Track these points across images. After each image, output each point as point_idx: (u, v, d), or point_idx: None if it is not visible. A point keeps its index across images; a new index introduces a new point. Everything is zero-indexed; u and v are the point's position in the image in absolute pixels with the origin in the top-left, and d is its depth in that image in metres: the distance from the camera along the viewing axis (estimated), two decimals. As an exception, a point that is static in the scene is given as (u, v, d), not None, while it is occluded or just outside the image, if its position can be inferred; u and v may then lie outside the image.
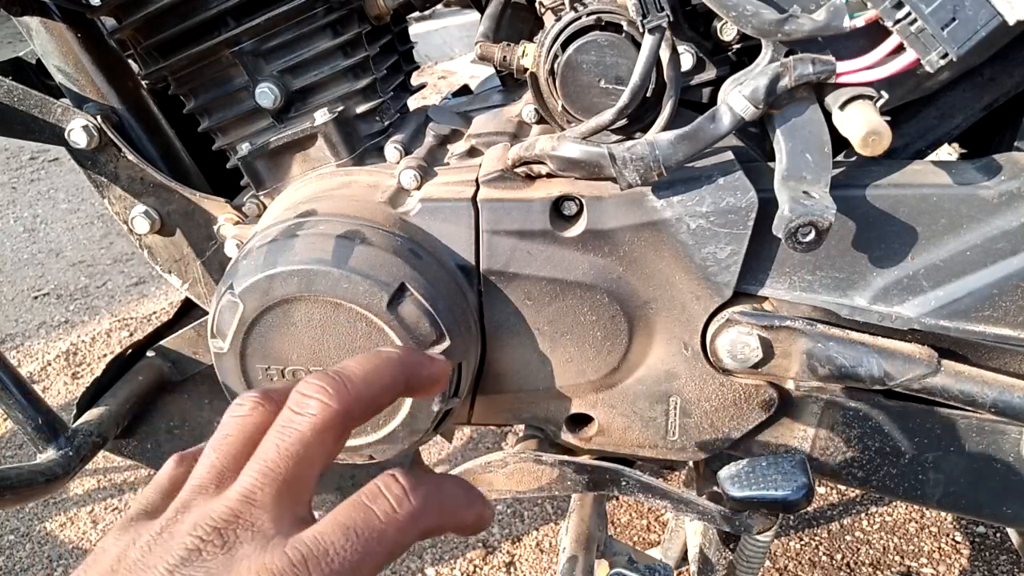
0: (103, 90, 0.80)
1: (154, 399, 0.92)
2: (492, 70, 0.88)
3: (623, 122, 0.68)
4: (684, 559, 1.07)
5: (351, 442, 0.72)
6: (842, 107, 0.62)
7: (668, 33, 0.65)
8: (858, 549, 1.39)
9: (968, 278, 0.66)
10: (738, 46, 0.75)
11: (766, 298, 0.71)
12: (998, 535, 1.39)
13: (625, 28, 0.67)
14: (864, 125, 0.59)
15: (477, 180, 0.71)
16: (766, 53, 0.65)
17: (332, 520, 0.33)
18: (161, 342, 0.91)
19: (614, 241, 0.68)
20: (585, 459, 0.76)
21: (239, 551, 0.31)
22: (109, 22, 0.76)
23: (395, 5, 0.79)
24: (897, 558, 1.37)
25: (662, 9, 0.61)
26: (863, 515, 1.45)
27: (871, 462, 0.76)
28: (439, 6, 0.92)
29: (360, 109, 0.78)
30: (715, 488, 0.73)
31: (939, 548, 1.38)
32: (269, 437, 0.35)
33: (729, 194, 0.65)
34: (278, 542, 0.32)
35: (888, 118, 0.61)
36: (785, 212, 0.60)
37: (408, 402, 0.68)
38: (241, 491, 0.33)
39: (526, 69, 0.74)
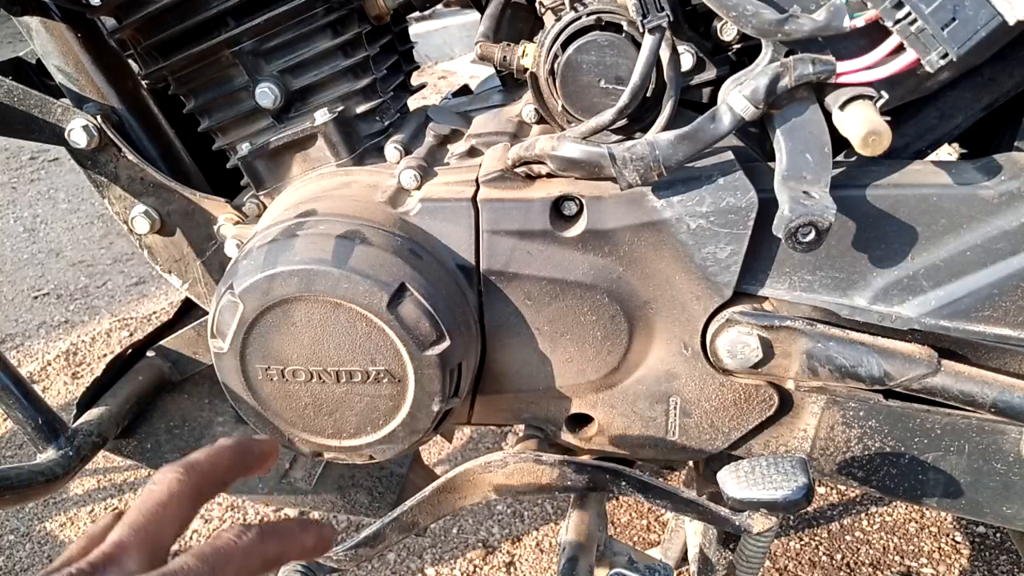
0: (103, 90, 0.80)
1: (154, 399, 0.92)
2: (492, 70, 0.88)
3: (623, 122, 0.68)
4: (684, 559, 1.07)
5: (351, 442, 0.72)
6: (842, 107, 0.62)
7: (668, 33, 0.65)
8: (858, 549, 1.39)
9: (968, 278, 0.66)
10: (738, 46, 0.75)
11: (766, 298, 0.71)
12: (998, 535, 1.39)
13: (625, 28, 0.67)
14: (864, 125, 0.59)
15: (477, 180, 0.71)
16: (766, 53, 0.65)
17: (187, 553, 0.42)
18: (161, 342, 0.91)
19: (614, 241, 0.68)
20: (585, 459, 0.76)
21: None
22: (109, 22, 0.76)
23: (395, 5, 0.79)
24: (897, 558, 1.37)
25: (662, 9, 0.61)
26: (863, 515, 1.45)
27: (871, 462, 0.76)
28: (439, 6, 0.93)
29: (360, 109, 0.78)
30: (715, 488, 0.73)
31: (939, 548, 1.38)
32: (134, 504, 0.45)
33: (729, 194, 0.65)
34: (140, 571, 0.41)
35: (888, 118, 0.61)
36: (785, 212, 0.60)
37: (408, 402, 0.69)
38: (112, 540, 0.42)
39: (526, 69, 0.74)
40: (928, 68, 0.59)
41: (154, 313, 2.28)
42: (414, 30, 1.10)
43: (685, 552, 1.07)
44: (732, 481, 0.69)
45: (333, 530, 0.52)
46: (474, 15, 1.13)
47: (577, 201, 0.68)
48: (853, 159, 0.72)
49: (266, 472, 0.54)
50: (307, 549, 0.49)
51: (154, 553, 0.42)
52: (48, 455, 0.78)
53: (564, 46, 0.69)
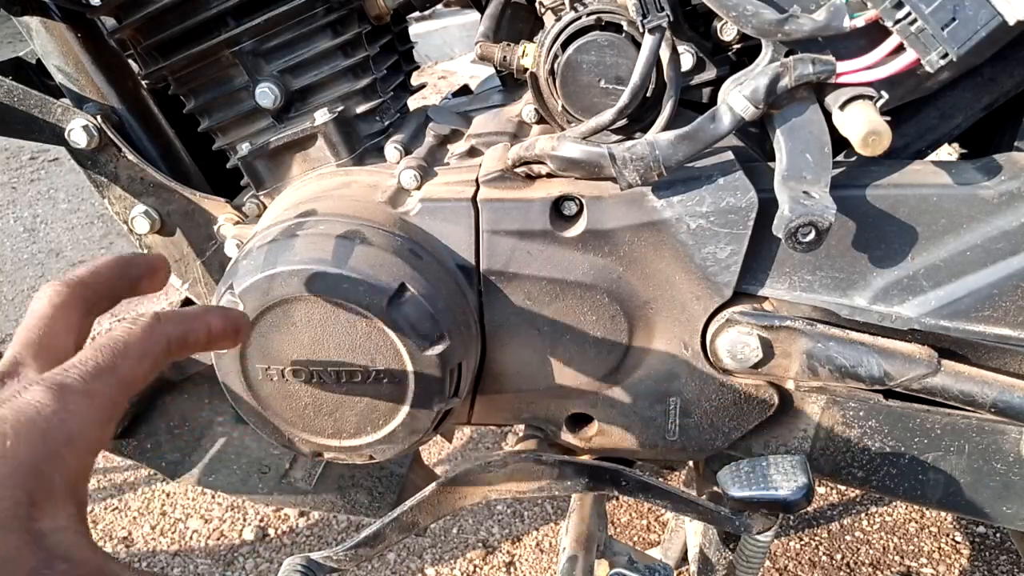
0: (103, 90, 0.80)
1: (154, 399, 0.92)
2: (492, 70, 0.88)
3: (623, 122, 0.68)
4: (684, 559, 1.07)
5: (351, 442, 0.72)
6: (842, 107, 0.62)
7: (668, 33, 0.65)
8: (858, 549, 1.39)
9: (968, 278, 0.66)
10: (738, 46, 0.75)
11: (766, 298, 0.71)
12: (998, 535, 1.39)
13: (625, 28, 0.67)
14: (864, 125, 0.59)
15: (477, 180, 0.71)
16: (766, 53, 0.65)
17: (82, 350, 0.41)
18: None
19: (614, 241, 0.68)
20: (585, 459, 0.76)
21: (7, 387, 0.39)
22: (109, 22, 0.76)
23: (395, 5, 0.79)
24: (897, 558, 1.37)
25: (662, 9, 0.61)
26: (863, 515, 1.45)
27: (871, 462, 0.76)
28: (439, 6, 0.92)
29: (360, 109, 0.78)
30: (715, 488, 0.73)
31: (939, 548, 1.38)
32: (20, 324, 0.45)
33: (729, 194, 0.65)
34: (39, 374, 0.40)
35: (888, 118, 0.61)
36: (785, 212, 0.60)
37: (408, 402, 0.69)
38: (6, 359, 0.42)
39: (526, 69, 0.74)
40: (928, 68, 0.59)
41: (154, 313, 2.27)
42: (414, 30, 1.10)
43: (685, 552, 1.07)
44: (732, 481, 0.69)
45: (246, 317, 0.52)
46: (474, 15, 1.13)
47: (577, 201, 0.68)
48: (853, 159, 0.72)
49: (158, 289, 0.53)
50: (216, 332, 0.48)
51: (51, 361, 0.42)
52: (48, 455, 0.78)
53: (564, 46, 0.69)
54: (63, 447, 0.36)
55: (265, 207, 0.81)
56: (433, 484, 0.74)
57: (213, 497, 1.59)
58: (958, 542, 1.39)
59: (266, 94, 0.75)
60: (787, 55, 0.63)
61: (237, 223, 0.81)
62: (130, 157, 0.77)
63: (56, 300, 0.45)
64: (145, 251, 0.84)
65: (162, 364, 0.44)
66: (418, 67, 0.97)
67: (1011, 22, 0.56)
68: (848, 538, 1.41)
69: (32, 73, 0.87)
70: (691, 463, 0.98)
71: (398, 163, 0.75)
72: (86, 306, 0.46)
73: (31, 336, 0.43)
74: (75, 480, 0.37)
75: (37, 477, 0.35)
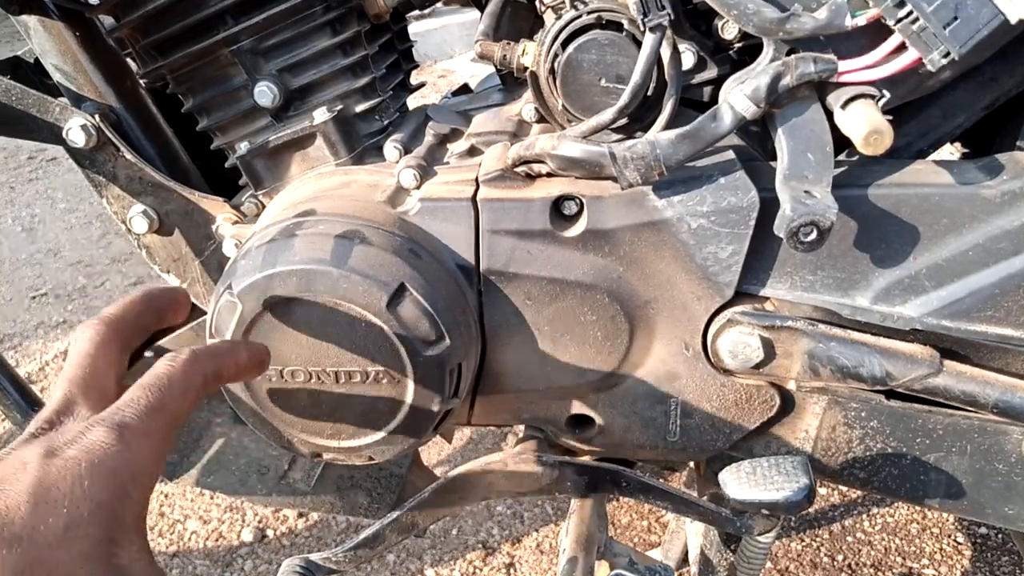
0: (101, 89, 0.79)
1: (152, 399, 0.91)
2: (492, 69, 0.87)
3: (624, 121, 0.68)
4: (685, 560, 1.07)
5: (350, 443, 0.72)
6: (844, 106, 0.61)
7: (669, 31, 0.64)
8: (860, 550, 1.39)
9: (970, 278, 0.66)
10: (739, 45, 0.75)
11: (767, 298, 0.71)
12: (1000, 536, 1.39)
13: (626, 26, 0.67)
14: (866, 124, 0.59)
15: (477, 179, 0.70)
16: (767, 52, 0.65)
17: (131, 387, 0.45)
18: (160, 342, 0.90)
19: (614, 241, 0.68)
20: (585, 460, 0.76)
21: (65, 425, 0.43)
22: (107, 20, 0.76)
23: (395, 3, 0.79)
24: (899, 559, 1.36)
25: (663, 7, 0.61)
26: (865, 516, 1.45)
27: (873, 463, 0.76)
28: (439, 4, 0.92)
29: (359, 108, 0.78)
30: (716, 489, 0.73)
31: (941, 549, 1.38)
32: (65, 365, 0.48)
33: (730, 193, 0.65)
34: (93, 413, 0.43)
35: (890, 117, 0.61)
36: (787, 212, 0.59)
37: (407, 403, 0.68)
38: (57, 397, 0.45)
39: (526, 68, 0.73)
40: (930, 67, 0.59)
41: (153, 313, 2.27)
42: (414, 29, 1.09)
43: (686, 553, 1.07)
44: (733, 482, 0.69)
45: (267, 350, 0.56)
46: (474, 14, 1.13)
47: (577, 201, 0.68)
48: (855, 158, 0.71)
49: (182, 318, 0.57)
50: (243, 366, 0.53)
51: (101, 398, 0.45)
52: (46, 456, 0.78)
53: (564, 45, 0.68)
54: (129, 484, 0.40)
55: (264, 206, 0.81)
56: (432, 485, 0.74)
57: (211, 498, 1.59)
58: (960, 543, 1.38)
59: (265, 93, 0.74)
60: (789, 54, 0.63)
61: (236, 222, 0.81)
62: (128, 156, 0.77)
63: (96, 339, 0.48)
64: (143, 251, 0.84)
65: (201, 398, 0.47)
66: (418, 66, 0.96)
67: (1013, 21, 0.56)
68: (850, 539, 1.40)
69: (30, 72, 0.87)
70: (692, 464, 0.97)
71: (397, 162, 0.75)
72: (122, 342, 0.50)
73: (78, 374, 0.46)
74: (140, 513, 0.41)
75: (112, 515, 0.39)
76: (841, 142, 0.63)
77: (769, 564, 1.36)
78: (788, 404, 0.75)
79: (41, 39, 0.77)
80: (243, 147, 0.78)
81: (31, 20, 0.76)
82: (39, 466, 0.38)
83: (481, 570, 1.40)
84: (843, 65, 0.62)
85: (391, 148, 0.77)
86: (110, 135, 0.76)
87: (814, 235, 0.60)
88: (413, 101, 0.92)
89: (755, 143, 0.73)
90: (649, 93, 0.68)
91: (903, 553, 1.37)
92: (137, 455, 0.40)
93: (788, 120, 0.63)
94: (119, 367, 0.49)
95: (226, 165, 0.81)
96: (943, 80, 0.65)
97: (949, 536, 1.40)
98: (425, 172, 0.73)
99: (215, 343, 0.55)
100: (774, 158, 0.65)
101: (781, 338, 0.70)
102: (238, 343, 0.55)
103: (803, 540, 1.41)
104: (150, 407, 0.43)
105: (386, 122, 0.81)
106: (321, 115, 0.75)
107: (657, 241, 0.68)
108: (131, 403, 0.43)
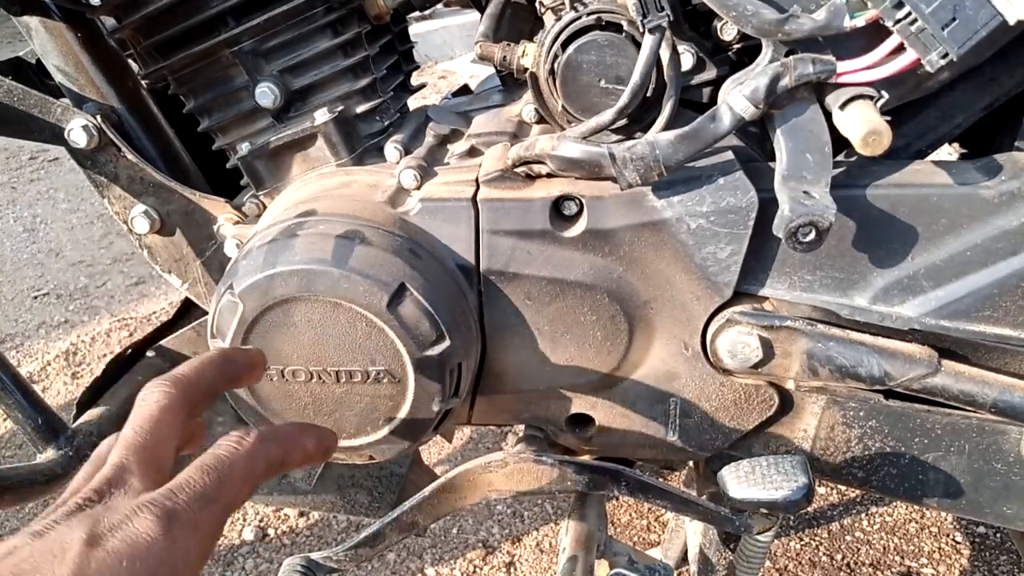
0: (103, 90, 0.80)
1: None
2: (492, 70, 0.88)
3: (623, 122, 0.68)
4: (684, 559, 1.07)
5: (351, 442, 0.72)
6: (842, 107, 0.62)
7: (668, 33, 0.65)
8: (858, 549, 1.39)
9: (968, 278, 0.66)
10: (738, 46, 0.75)
11: (766, 298, 0.71)
12: (998, 535, 1.39)
13: (625, 28, 0.67)
14: (864, 125, 0.59)
15: (477, 180, 0.70)
16: (766, 53, 0.65)
17: (189, 466, 0.42)
18: (161, 342, 0.90)
19: (614, 241, 0.68)
20: (585, 459, 0.76)
21: (114, 500, 0.39)
22: (109, 21, 0.76)
23: (395, 5, 0.79)
24: (897, 558, 1.37)
25: (662, 9, 0.61)
26: (863, 515, 1.45)
27: (871, 462, 0.76)
28: (439, 6, 0.92)
29: (360, 109, 0.78)
30: (715, 488, 0.73)
31: (939, 548, 1.38)
32: (127, 423, 0.44)
33: (729, 194, 0.65)
34: (146, 489, 0.40)
35: (888, 118, 0.61)
36: (785, 212, 0.60)
37: (408, 402, 0.68)
38: (113, 462, 0.42)
39: (526, 69, 0.74)
40: (928, 68, 0.59)
41: (154, 313, 2.28)
42: (414, 30, 1.10)
43: (685, 552, 1.07)
44: (732, 481, 0.69)
45: (335, 435, 0.52)
46: (474, 15, 1.13)
47: (577, 201, 0.68)
48: (853, 159, 0.72)
49: (256, 381, 0.54)
50: (309, 452, 0.48)
51: (157, 469, 0.42)
52: (48, 455, 0.78)
53: (564, 46, 0.69)
54: None
55: (265, 207, 0.81)
56: (433, 484, 0.74)
57: (213, 497, 1.59)
58: (958, 542, 1.38)
59: (266, 94, 0.75)
60: (787, 55, 0.63)
61: (237, 223, 0.81)
62: (130, 157, 0.77)
63: (164, 402, 0.45)
64: (145, 252, 0.84)
65: (259, 486, 0.44)
66: (418, 67, 0.96)
67: (1011, 22, 0.56)
68: (848, 538, 1.41)
69: (32, 73, 0.87)
70: (691, 463, 0.98)
71: (398, 163, 0.75)
72: (190, 407, 0.47)
73: (138, 441, 0.43)
74: None
75: None
76: (840, 143, 0.63)
77: (768, 563, 1.36)
78: (787, 404, 0.75)
79: (43, 40, 0.78)
80: (244, 148, 0.78)
81: (33, 21, 0.77)
82: (79, 557, 0.36)
83: (481, 569, 1.40)
84: (842, 66, 0.62)
85: (392, 149, 0.77)
86: (112, 136, 0.76)
87: (813, 235, 0.60)
88: (413, 102, 0.92)
89: (754, 144, 0.73)
90: (648, 94, 0.68)
91: (901, 552, 1.38)
92: (181, 551, 0.38)
93: (787, 121, 0.63)
94: (182, 436, 0.46)
95: (227, 166, 0.82)
96: (941, 81, 0.65)
97: (947, 535, 1.40)
98: (425, 173, 0.73)
99: (281, 426, 0.50)
100: (773, 159, 0.65)
101: (780, 338, 0.70)
102: (306, 427, 0.50)
103: (802, 539, 1.41)
104: (205, 495, 0.40)
105: (387, 123, 0.81)
106: (322, 116, 0.75)
107: (656, 241, 0.68)
108: (185, 487, 0.40)
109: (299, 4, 0.72)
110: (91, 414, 0.84)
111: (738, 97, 0.62)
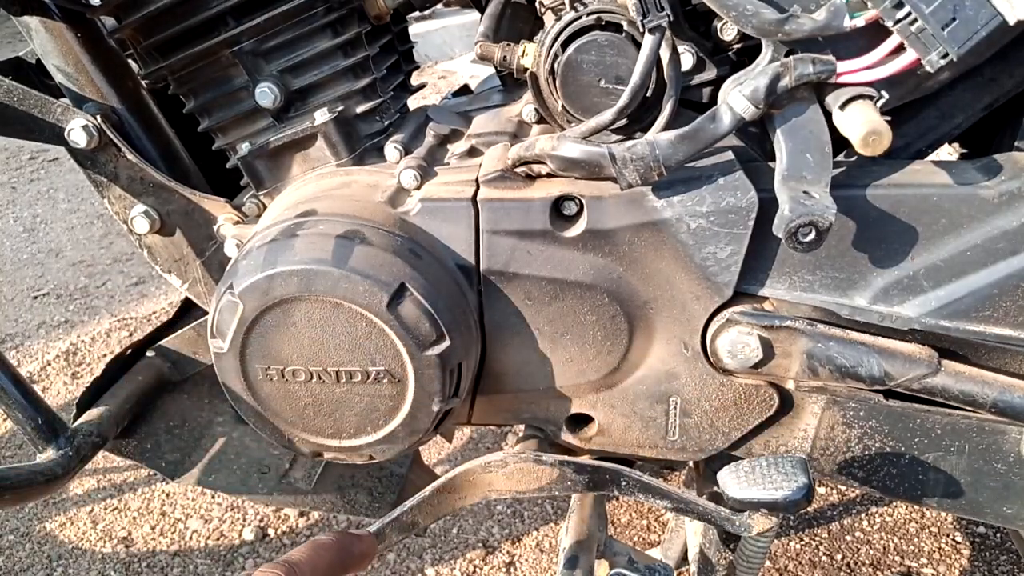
0: (103, 90, 0.80)
1: (154, 399, 0.92)
2: (492, 70, 0.88)
3: (623, 122, 0.68)
4: (684, 559, 1.07)
5: (351, 442, 0.72)
6: (842, 107, 0.62)
7: (668, 33, 0.65)
8: (858, 549, 1.39)
9: (968, 278, 0.66)
10: (738, 46, 0.75)
11: (766, 298, 0.71)
12: (998, 535, 1.39)
13: (625, 28, 0.67)
14: (864, 125, 0.59)
15: (477, 180, 0.70)
16: (766, 53, 0.65)
17: None
18: (161, 342, 0.90)
19: (614, 241, 0.68)
20: (585, 459, 0.76)
21: None
22: (109, 22, 0.76)
23: (395, 5, 0.79)
24: (897, 558, 1.37)
25: (662, 9, 0.61)
26: (863, 515, 1.45)
27: (871, 462, 0.76)
28: (439, 6, 0.93)
29: (360, 109, 0.78)
30: (715, 488, 0.73)
31: (939, 548, 1.38)
32: None
33: (729, 194, 0.65)
34: None
35: (888, 118, 0.61)
36: (785, 212, 0.60)
37: (408, 402, 0.68)
38: None
39: (526, 69, 0.74)
40: (928, 68, 0.59)
41: (154, 313, 2.28)
42: (414, 30, 1.10)
43: (685, 552, 1.07)
44: (732, 481, 0.69)
45: (374, 542, 0.54)
46: (474, 15, 1.13)
47: (577, 201, 0.68)
48: (853, 159, 0.72)
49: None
50: (354, 561, 0.52)
51: None
52: (48, 455, 0.78)
53: (564, 46, 0.69)
54: None
55: (265, 207, 0.81)
56: (433, 484, 0.74)
57: (213, 497, 1.59)
58: (958, 542, 1.38)
59: (266, 94, 0.75)
60: (787, 55, 0.63)
61: (237, 223, 0.81)
62: (130, 157, 0.77)
63: None
64: (145, 252, 0.84)
65: None
66: (418, 67, 0.97)
67: (1011, 22, 0.56)
68: (848, 538, 1.41)
69: (32, 73, 0.87)
70: (691, 463, 0.98)
71: (398, 163, 0.75)
72: None
73: None
74: None
75: None
76: (840, 143, 0.63)
77: (768, 563, 1.36)
78: (787, 404, 0.75)
79: (43, 40, 0.78)
80: (244, 148, 0.78)
81: (33, 21, 0.77)
82: None
83: (481, 569, 1.40)
84: (842, 66, 0.62)
85: (392, 149, 0.77)
86: (112, 136, 0.76)
87: (813, 235, 0.60)
88: (413, 102, 0.92)
89: (754, 144, 0.73)
90: (648, 94, 0.68)
91: (901, 552, 1.38)
92: None
93: (787, 121, 0.63)
94: None
95: (227, 166, 0.82)
96: (941, 81, 0.65)
97: (947, 535, 1.40)
98: (425, 173, 0.73)
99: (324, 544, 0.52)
100: (773, 159, 0.65)
101: (780, 338, 0.70)
102: (350, 537, 0.52)
103: (802, 539, 1.41)
104: None
105: (387, 123, 0.81)
106: (322, 116, 0.75)
107: (656, 241, 0.68)
108: None
109: (299, 4, 0.73)
110: (91, 414, 0.84)
111: (738, 97, 0.62)
